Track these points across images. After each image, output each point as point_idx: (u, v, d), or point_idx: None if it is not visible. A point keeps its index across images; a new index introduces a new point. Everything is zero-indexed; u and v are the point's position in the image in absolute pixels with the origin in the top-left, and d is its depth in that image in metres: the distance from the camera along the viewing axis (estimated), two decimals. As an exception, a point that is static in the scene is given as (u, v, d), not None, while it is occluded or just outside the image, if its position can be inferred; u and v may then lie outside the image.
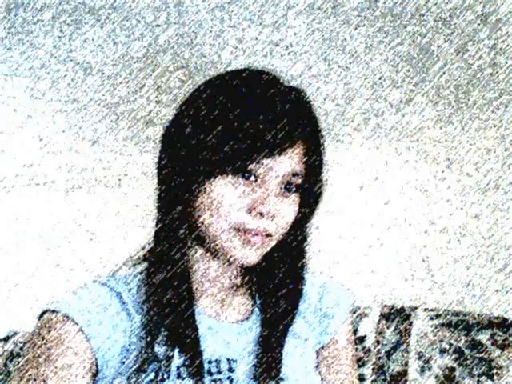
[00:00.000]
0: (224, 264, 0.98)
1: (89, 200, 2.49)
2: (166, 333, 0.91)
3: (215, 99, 0.90)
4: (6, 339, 2.11)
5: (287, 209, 0.93)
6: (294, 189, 0.93)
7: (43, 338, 0.87)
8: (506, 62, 2.13)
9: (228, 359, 0.95)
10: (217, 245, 0.92)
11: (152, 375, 0.88)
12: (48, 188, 2.51)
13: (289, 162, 0.91)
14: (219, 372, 0.93)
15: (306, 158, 0.93)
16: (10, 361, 2.04)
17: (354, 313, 1.88)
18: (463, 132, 2.18)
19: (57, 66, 2.54)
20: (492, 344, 1.71)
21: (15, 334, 2.12)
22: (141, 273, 0.97)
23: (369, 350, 1.82)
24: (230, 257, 0.92)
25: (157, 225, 0.96)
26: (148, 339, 0.90)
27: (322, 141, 0.97)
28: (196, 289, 0.97)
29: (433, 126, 2.22)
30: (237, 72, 0.96)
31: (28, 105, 2.55)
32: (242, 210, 0.89)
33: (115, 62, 2.51)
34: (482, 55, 2.15)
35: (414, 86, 2.24)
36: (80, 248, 2.44)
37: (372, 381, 1.78)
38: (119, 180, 2.50)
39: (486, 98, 2.16)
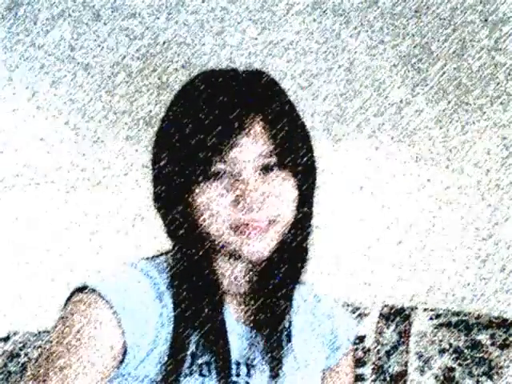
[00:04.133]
0: (243, 266, 0.97)
1: (89, 200, 2.49)
2: (195, 331, 0.90)
3: (175, 110, 0.96)
4: (6, 339, 2.11)
5: (278, 188, 0.91)
6: (275, 168, 0.91)
7: (72, 317, 0.85)
8: (506, 62, 2.12)
9: (247, 363, 0.94)
10: (223, 245, 0.91)
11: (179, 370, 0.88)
12: (48, 188, 2.51)
13: (253, 146, 0.90)
14: (238, 375, 0.93)
15: (272, 132, 0.90)
16: (10, 361, 2.04)
17: (354, 313, 1.88)
18: (463, 132, 2.18)
19: (57, 66, 2.54)
20: (492, 344, 1.71)
21: (15, 333, 2.12)
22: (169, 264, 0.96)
23: (368, 350, 1.82)
24: (238, 254, 0.91)
25: (165, 227, 0.97)
26: (180, 338, 0.89)
27: (287, 106, 0.94)
28: (223, 291, 0.97)
29: (433, 125, 2.22)
30: (194, 77, 0.99)
31: (28, 105, 2.55)
32: (228, 209, 0.89)
33: (115, 62, 2.51)
34: (482, 55, 2.15)
35: (414, 85, 2.24)
36: (80, 248, 2.44)
37: (372, 381, 1.77)
38: (119, 180, 2.50)
39: (486, 97, 2.16)
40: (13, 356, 2.05)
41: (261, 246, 0.90)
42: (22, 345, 2.06)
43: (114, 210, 2.48)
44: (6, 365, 2.04)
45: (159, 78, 2.45)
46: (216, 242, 0.91)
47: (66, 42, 2.53)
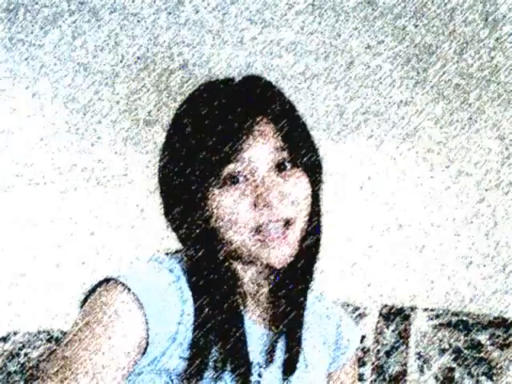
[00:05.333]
0: (258, 270, 0.97)
1: (89, 200, 2.49)
2: (214, 330, 0.90)
3: (182, 120, 0.94)
4: (6, 339, 2.11)
5: (294, 186, 0.92)
6: (288, 165, 0.92)
7: (98, 307, 0.85)
8: (506, 62, 2.13)
9: (259, 364, 0.95)
10: (244, 253, 0.92)
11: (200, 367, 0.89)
12: (48, 188, 2.51)
13: (263, 143, 0.91)
14: (250, 375, 0.93)
15: (280, 128, 0.92)
16: (10, 361, 2.04)
17: (354, 313, 1.88)
18: (463, 132, 2.18)
19: (57, 66, 2.54)
20: (492, 344, 1.71)
21: (15, 333, 2.12)
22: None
23: (368, 350, 1.82)
24: (259, 260, 0.91)
25: (178, 237, 0.97)
26: (200, 336, 0.89)
27: (290, 106, 0.96)
28: (243, 293, 0.97)
29: (433, 125, 2.22)
30: (200, 87, 0.98)
31: (28, 105, 2.55)
32: (249, 211, 0.90)
33: (115, 62, 2.51)
34: (482, 55, 2.16)
35: (414, 85, 2.24)
36: (80, 248, 2.44)
37: (371, 381, 1.78)
38: (119, 180, 2.50)
39: (486, 97, 2.16)
40: (13, 356, 2.05)
41: (283, 252, 0.91)
42: (21, 345, 2.07)
43: (113, 210, 2.48)
44: (5, 365, 2.04)
45: (159, 78, 2.45)
46: (234, 248, 0.92)
47: (65, 42, 2.53)
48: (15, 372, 2.02)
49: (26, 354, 2.04)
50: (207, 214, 0.91)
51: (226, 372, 0.90)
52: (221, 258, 0.93)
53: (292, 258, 0.92)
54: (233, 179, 0.90)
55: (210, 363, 0.89)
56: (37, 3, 2.52)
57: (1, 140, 2.53)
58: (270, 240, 0.90)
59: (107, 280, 0.88)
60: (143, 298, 0.85)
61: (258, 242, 0.90)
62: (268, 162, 0.91)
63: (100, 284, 0.88)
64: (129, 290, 0.85)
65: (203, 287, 0.91)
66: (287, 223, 0.91)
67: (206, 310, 0.90)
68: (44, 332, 2.08)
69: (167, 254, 0.98)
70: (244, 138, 0.89)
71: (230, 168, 0.90)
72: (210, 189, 0.90)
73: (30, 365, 2.02)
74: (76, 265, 2.39)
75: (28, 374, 2.01)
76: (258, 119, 0.91)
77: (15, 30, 2.54)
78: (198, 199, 0.91)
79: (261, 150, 0.91)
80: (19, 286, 2.41)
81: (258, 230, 0.90)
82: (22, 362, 2.03)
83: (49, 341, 2.05)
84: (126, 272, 0.88)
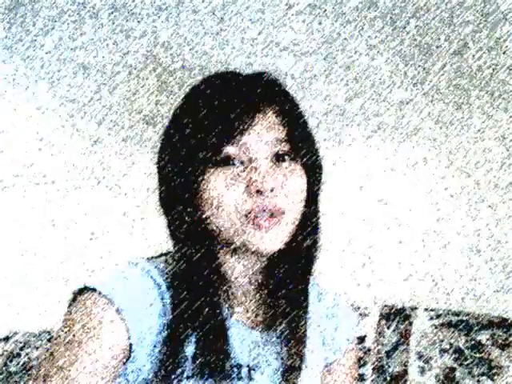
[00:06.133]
0: (249, 263, 0.97)
1: (89, 200, 2.49)
2: (194, 332, 0.90)
3: (192, 102, 0.95)
4: (6, 339, 2.11)
5: (289, 179, 0.92)
6: (287, 159, 0.93)
7: (77, 317, 0.85)
8: (506, 62, 2.13)
9: (249, 367, 0.94)
10: (232, 238, 0.91)
11: (178, 371, 0.88)
12: (48, 188, 2.51)
13: (265, 132, 0.91)
14: (239, 378, 0.92)
15: (284, 122, 0.93)
16: (10, 361, 2.04)
17: (354, 313, 1.87)
18: (463, 132, 2.18)
19: (57, 66, 2.54)
20: (492, 344, 1.71)
21: (15, 333, 2.12)
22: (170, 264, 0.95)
23: (369, 350, 1.82)
24: (249, 247, 0.91)
25: (168, 227, 0.96)
26: (176, 339, 0.89)
27: (295, 103, 0.97)
28: (231, 294, 0.97)
29: (433, 125, 2.22)
30: (209, 77, 0.98)
31: (28, 105, 2.55)
32: (241, 195, 0.89)
33: (115, 62, 2.51)
34: (482, 55, 2.15)
35: (414, 85, 2.24)
36: (80, 248, 2.44)
37: (372, 381, 1.78)
38: (119, 180, 2.50)
39: (485, 97, 2.16)
40: (13, 356, 2.05)
41: (273, 237, 0.90)
42: (22, 345, 2.07)
43: (113, 210, 2.48)
44: (6, 365, 2.04)
45: (159, 78, 2.45)
46: (224, 236, 0.91)
47: (65, 42, 2.53)
48: (16, 372, 2.02)
49: (26, 354, 2.04)
50: (199, 196, 0.90)
51: (206, 376, 0.89)
52: (206, 252, 0.93)
53: (279, 246, 0.92)
54: (229, 161, 0.90)
55: (191, 367, 0.89)
56: (37, 3, 2.52)
57: (1, 140, 2.53)
58: (259, 227, 0.89)
59: (88, 288, 0.88)
60: (122, 305, 0.85)
61: (247, 228, 0.90)
62: (267, 150, 0.91)
63: (80, 292, 0.88)
64: (107, 298, 0.85)
65: (183, 293, 0.91)
66: (278, 213, 0.90)
67: (185, 315, 0.90)
68: (45, 332, 2.08)
69: (148, 259, 0.98)
70: (247, 121, 0.89)
71: (229, 150, 0.90)
72: (207, 169, 0.90)
73: (31, 365, 2.02)
74: (76, 265, 2.39)
75: (29, 374, 2.01)
76: (262, 108, 0.92)
77: (15, 30, 2.54)
78: (193, 178, 0.90)
79: (262, 137, 0.91)
80: (19, 287, 2.41)
81: (247, 216, 0.89)
82: (22, 362, 2.03)
83: (49, 341, 2.04)
84: (104, 280, 0.88)
